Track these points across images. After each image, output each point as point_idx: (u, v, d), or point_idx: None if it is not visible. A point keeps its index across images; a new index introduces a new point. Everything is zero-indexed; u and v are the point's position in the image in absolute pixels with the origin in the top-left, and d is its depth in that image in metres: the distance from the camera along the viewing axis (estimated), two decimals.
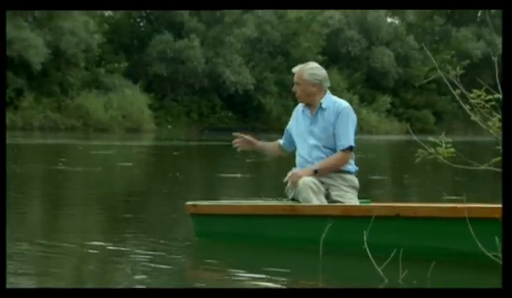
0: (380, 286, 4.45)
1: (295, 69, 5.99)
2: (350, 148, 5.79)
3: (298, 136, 5.98)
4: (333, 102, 5.90)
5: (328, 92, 5.95)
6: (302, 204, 5.64)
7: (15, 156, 16.93)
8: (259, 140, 6.38)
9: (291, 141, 6.12)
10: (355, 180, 5.91)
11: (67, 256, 5.36)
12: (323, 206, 5.58)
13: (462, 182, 12.32)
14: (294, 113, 6.13)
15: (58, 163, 16.19)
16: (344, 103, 5.93)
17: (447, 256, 5.02)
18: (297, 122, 6.02)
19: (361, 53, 58.51)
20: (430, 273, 4.59)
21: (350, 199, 5.78)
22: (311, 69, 5.91)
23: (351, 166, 5.91)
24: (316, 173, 5.72)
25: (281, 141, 6.24)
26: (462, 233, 4.76)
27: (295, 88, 5.95)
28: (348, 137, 5.77)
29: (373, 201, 6.24)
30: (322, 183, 5.76)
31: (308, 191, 5.65)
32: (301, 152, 5.93)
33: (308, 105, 5.95)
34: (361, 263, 4.85)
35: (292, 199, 5.83)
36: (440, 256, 5.00)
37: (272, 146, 6.32)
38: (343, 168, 5.84)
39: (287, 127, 6.16)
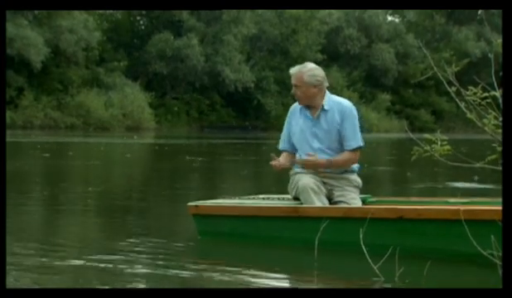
0: (376, 285, 4.47)
1: (293, 71, 5.86)
2: (359, 148, 5.79)
3: (300, 139, 5.89)
4: (335, 102, 5.83)
5: (327, 91, 5.87)
6: (305, 205, 5.64)
7: (15, 154, 16.94)
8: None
9: (293, 145, 6.00)
10: (358, 179, 5.91)
11: (67, 255, 5.35)
12: (325, 208, 5.57)
13: (462, 179, 12.33)
14: (290, 114, 6.01)
15: (58, 161, 16.21)
16: (347, 102, 5.86)
17: (451, 257, 5.00)
18: (297, 124, 5.90)
19: (361, 51, 58.52)
20: (426, 271, 4.60)
21: (353, 198, 5.78)
22: (310, 71, 5.80)
23: (355, 165, 5.91)
24: (327, 164, 5.69)
25: (283, 148, 6.06)
26: (466, 234, 4.77)
27: (294, 91, 5.82)
28: (356, 138, 5.75)
29: (373, 197, 6.26)
30: (325, 183, 5.76)
31: (309, 192, 5.64)
32: (304, 155, 5.85)
33: (308, 106, 5.87)
34: (358, 261, 4.86)
35: (295, 198, 5.83)
36: (444, 257, 5.00)
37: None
38: (346, 168, 5.85)
39: (287, 132, 6.00)
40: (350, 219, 5.31)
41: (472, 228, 4.75)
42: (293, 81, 5.83)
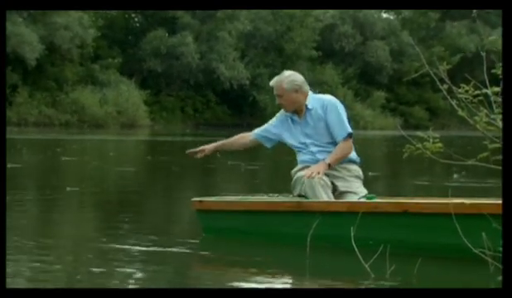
0: (367, 283, 4.47)
1: (272, 83, 6.03)
2: (349, 135, 5.85)
3: (295, 143, 6.01)
4: (317, 99, 5.99)
5: (310, 92, 6.02)
6: (309, 200, 5.64)
7: (10, 151, 16.92)
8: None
9: (271, 139, 6.14)
10: (359, 170, 5.96)
11: (67, 255, 5.35)
12: (330, 202, 5.57)
13: (456, 177, 12.37)
14: (280, 116, 6.12)
15: (56, 160, 16.20)
16: (328, 96, 6.05)
17: (455, 252, 4.99)
18: (291, 132, 6.04)
19: (356, 48, 58.52)
20: (416, 269, 4.60)
21: (357, 188, 5.83)
22: (287, 78, 5.97)
23: (354, 156, 5.97)
24: (329, 167, 5.76)
25: (256, 134, 6.21)
26: (471, 228, 4.76)
27: (279, 101, 6.00)
28: (343, 127, 5.84)
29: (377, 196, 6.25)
30: (327, 175, 5.78)
31: (317, 186, 5.66)
32: (305, 153, 5.95)
33: (295, 112, 6.00)
34: (351, 259, 4.85)
35: (298, 195, 5.83)
36: (448, 252, 5.01)
37: (233, 140, 6.33)
38: (346, 157, 5.88)
39: (268, 126, 6.15)
40: (355, 214, 5.26)
41: (476, 222, 4.75)
42: (275, 92, 6.01)
